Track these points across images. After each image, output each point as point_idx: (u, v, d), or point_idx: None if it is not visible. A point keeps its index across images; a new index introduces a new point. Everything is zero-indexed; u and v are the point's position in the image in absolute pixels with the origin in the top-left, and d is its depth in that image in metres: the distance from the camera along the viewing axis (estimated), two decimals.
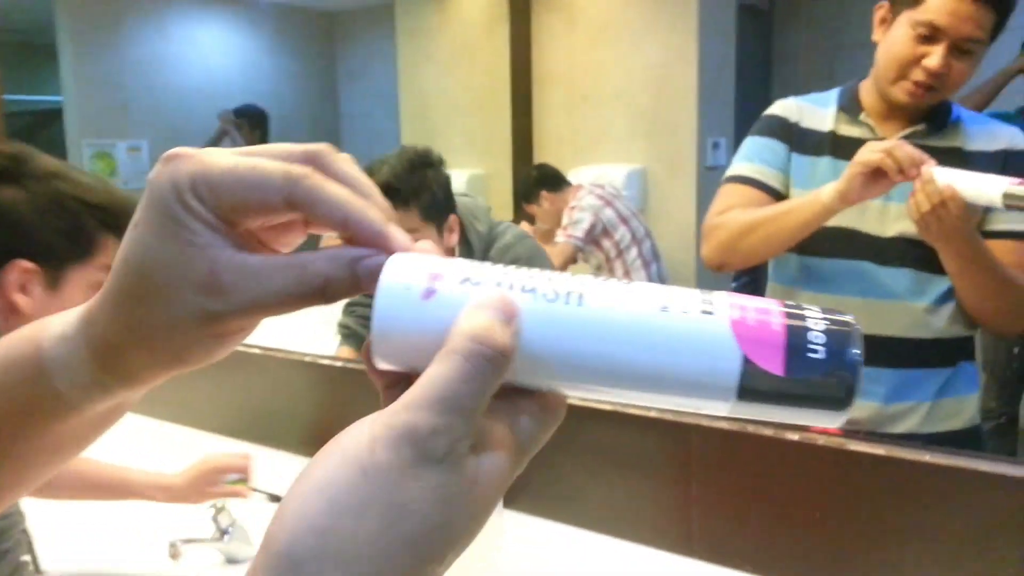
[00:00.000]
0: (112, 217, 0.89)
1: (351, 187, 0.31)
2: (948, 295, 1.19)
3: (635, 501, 0.91)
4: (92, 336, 0.32)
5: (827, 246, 1.22)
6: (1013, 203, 0.97)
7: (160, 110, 3.67)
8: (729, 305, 0.28)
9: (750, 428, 0.83)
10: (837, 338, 0.27)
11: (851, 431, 1.22)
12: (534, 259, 1.53)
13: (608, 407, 0.92)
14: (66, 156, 3.48)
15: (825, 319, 0.27)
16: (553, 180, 2.75)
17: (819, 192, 1.12)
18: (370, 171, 1.42)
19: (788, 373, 0.27)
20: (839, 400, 0.27)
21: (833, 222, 1.18)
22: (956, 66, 1.10)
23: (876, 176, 1.07)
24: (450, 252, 1.46)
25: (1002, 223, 1.16)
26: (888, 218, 1.18)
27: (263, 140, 3.43)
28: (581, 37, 3.10)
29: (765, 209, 1.20)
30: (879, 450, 0.75)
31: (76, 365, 0.32)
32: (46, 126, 3.70)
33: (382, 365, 0.29)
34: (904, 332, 1.20)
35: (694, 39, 2.87)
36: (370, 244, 0.30)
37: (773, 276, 1.32)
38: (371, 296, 0.29)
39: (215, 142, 3.46)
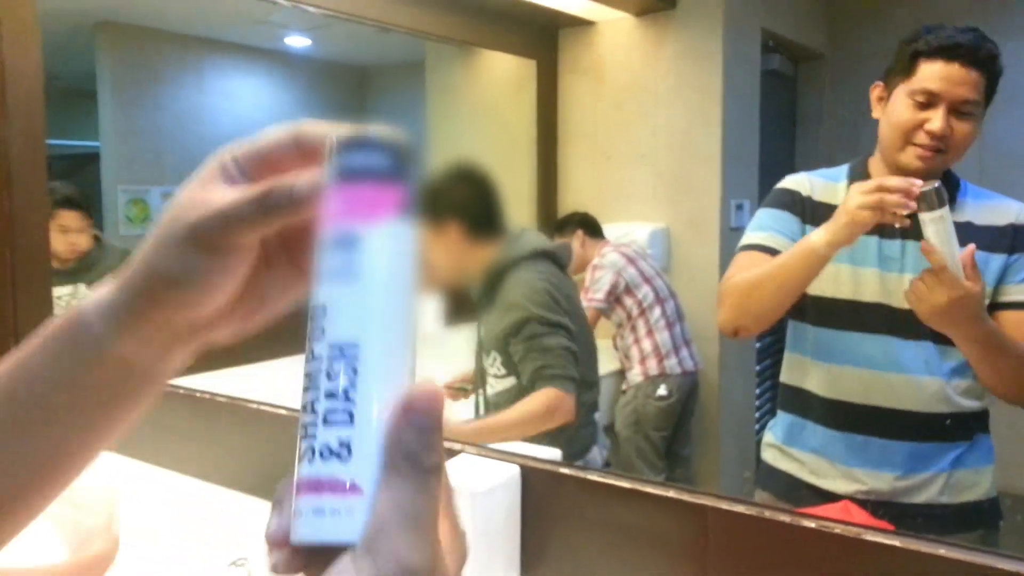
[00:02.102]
0: None
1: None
2: (962, 368, 1.19)
3: None
4: (120, 284, 0.40)
5: (843, 319, 1.24)
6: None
7: (194, 158, 3.65)
8: None
9: (767, 513, 0.83)
10: None
11: (872, 502, 1.23)
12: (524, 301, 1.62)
13: (627, 485, 0.93)
14: (101, 200, 3.57)
15: None
16: (594, 227, 2.82)
17: (809, 242, 1.15)
18: None
19: None
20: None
21: (849, 296, 1.20)
22: (958, 128, 1.15)
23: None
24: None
25: (1016, 295, 1.17)
26: (904, 290, 1.19)
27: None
28: (606, 98, 3.16)
29: (764, 266, 1.22)
30: (894, 541, 0.75)
31: (104, 305, 0.40)
32: (83, 170, 3.80)
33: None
34: (920, 407, 1.21)
35: (718, 102, 2.92)
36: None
37: (789, 346, 1.34)
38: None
39: None
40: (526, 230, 1.77)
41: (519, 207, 3.27)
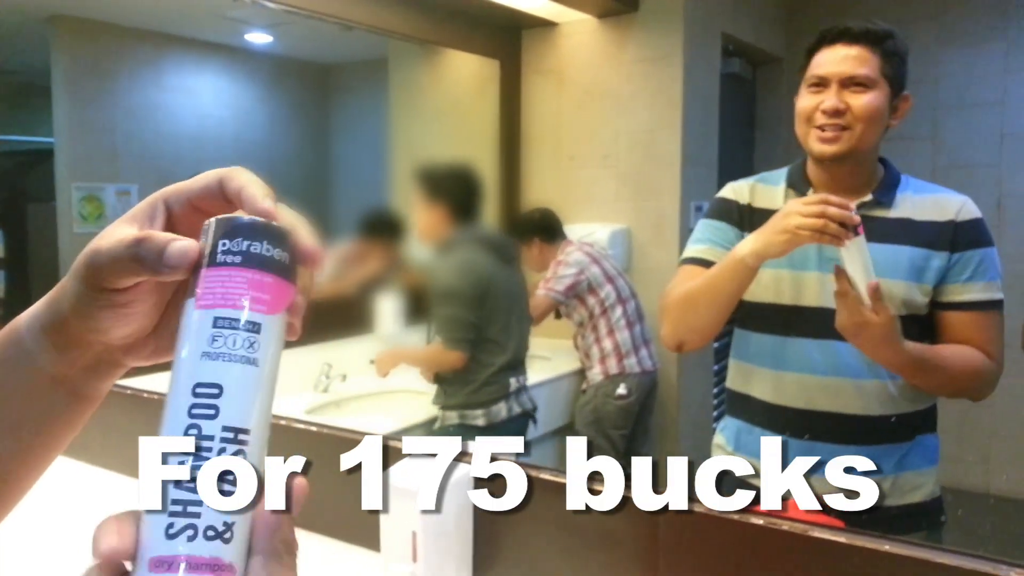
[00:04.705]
0: None
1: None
2: None
3: None
4: (47, 310, 0.41)
5: (785, 325, 1.24)
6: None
7: (151, 156, 3.69)
8: None
9: (716, 511, 0.84)
10: None
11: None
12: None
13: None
14: (55, 197, 3.50)
15: None
16: (549, 231, 2.79)
17: (737, 253, 1.16)
18: None
19: None
20: None
21: (790, 301, 1.21)
22: (854, 101, 1.17)
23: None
24: None
25: (959, 295, 1.18)
26: None
27: None
28: (569, 99, 3.17)
29: (697, 280, 1.23)
30: (840, 538, 0.76)
31: (34, 321, 0.41)
32: (36, 167, 3.71)
33: None
34: (863, 410, 1.21)
35: (679, 105, 2.94)
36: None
37: (733, 353, 1.34)
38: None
39: None
40: (489, 227, 2.22)
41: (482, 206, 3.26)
